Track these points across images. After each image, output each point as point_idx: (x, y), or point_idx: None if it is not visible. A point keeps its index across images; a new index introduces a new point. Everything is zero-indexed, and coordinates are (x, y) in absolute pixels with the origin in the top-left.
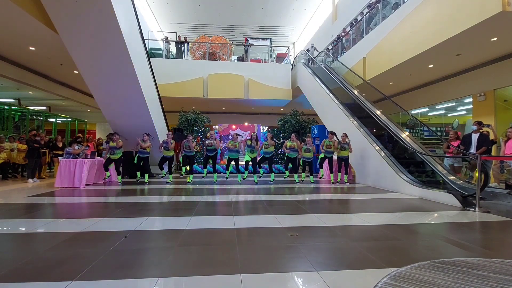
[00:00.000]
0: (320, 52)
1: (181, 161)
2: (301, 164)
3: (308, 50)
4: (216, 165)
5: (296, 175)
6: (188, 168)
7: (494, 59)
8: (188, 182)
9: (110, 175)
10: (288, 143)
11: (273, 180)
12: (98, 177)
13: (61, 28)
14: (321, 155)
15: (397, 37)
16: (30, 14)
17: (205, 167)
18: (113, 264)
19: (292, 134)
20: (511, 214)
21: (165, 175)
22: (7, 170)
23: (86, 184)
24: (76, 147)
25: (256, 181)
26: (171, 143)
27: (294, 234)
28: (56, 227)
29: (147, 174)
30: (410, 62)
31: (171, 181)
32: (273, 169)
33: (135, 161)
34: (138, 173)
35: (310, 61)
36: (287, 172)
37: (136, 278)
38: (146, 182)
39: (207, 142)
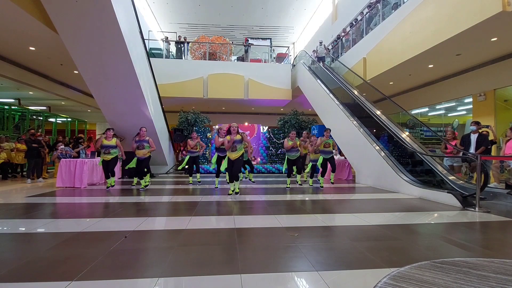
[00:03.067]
0: (326, 51)
1: (185, 161)
2: (309, 168)
3: (314, 51)
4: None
5: (298, 176)
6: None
7: (494, 59)
8: (191, 183)
9: (114, 184)
10: (289, 142)
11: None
12: (100, 178)
13: (61, 28)
14: (320, 160)
15: (397, 37)
16: (30, 14)
17: (217, 175)
18: (113, 264)
19: (292, 132)
20: (511, 214)
21: (137, 184)
22: (7, 170)
23: (93, 184)
24: (61, 147)
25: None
26: (146, 142)
27: (294, 234)
28: (56, 227)
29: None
30: (410, 62)
31: (145, 186)
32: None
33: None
34: (135, 179)
35: (314, 61)
36: (288, 180)
37: (136, 278)
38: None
39: (220, 139)
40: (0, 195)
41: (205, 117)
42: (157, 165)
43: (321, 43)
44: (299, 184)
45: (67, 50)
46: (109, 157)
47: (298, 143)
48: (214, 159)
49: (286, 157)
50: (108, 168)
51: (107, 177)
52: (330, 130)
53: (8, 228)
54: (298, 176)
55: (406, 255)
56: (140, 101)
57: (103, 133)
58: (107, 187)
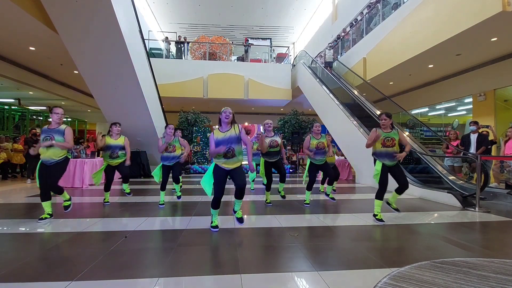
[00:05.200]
0: (334, 56)
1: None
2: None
3: (321, 57)
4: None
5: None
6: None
7: (494, 59)
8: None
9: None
10: (312, 141)
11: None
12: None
13: (61, 28)
14: (378, 167)
15: (397, 37)
16: (30, 14)
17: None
18: (113, 264)
19: (316, 124)
20: (511, 214)
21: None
22: (7, 170)
23: (92, 185)
24: None
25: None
26: (59, 134)
27: (294, 234)
28: (56, 227)
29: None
30: (410, 62)
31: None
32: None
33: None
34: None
35: (321, 67)
36: (308, 194)
37: (136, 278)
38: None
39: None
40: (0, 195)
41: (205, 117)
42: (157, 165)
43: (330, 47)
44: (331, 198)
45: (67, 50)
46: (116, 161)
47: (325, 142)
48: (261, 171)
49: (309, 161)
50: (112, 177)
51: (107, 188)
52: (387, 116)
53: (8, 228)
54: (329, 187)
55: (406, 255)
56: (140, 101)
57: (103, 135)
58: (105, 201)
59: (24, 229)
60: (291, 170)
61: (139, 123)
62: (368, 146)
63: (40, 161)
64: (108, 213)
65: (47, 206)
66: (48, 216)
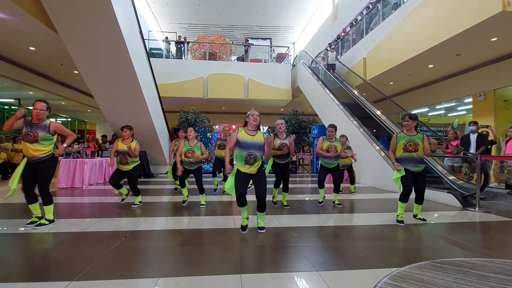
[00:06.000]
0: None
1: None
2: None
3: (323, 59)
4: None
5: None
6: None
7: (494, 59)
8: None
9: (127, 195)
10: (325, 143)
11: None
12: (99, 177)
13: (61, 28)
14: (399, 172)
15: (397, 37)
16: (30, 14)
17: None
18: (113, 264)
19: (330, 127)
20: (511, 214)
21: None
22: (7, 170)
23: (91, 185)
24: (76, 146)
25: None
26: (44, 130)
27: (294, 234)
28: (56, 227)
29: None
30: (410, 62)
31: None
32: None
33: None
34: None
35: (324, 70)
36: (322, 193)
37: (136, 278)
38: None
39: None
40: (0, 195)
41: (205, 117)
42: (157, 165)
43: (332, 48)
44: (337, 204)
45: (67, 50)
46: (125, 167)
47: (338, 146)
48: (268, 170)
49: (320, 163)
50: (120, 178)
51: (117, 187)
52: (410, 118)
53: (8, 228)
54: (335, 195)
55: (406, 255)
56: (140, 101)
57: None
58: (122, 200)
59: (24, 229)
60: (292, 170)
61: (139, 123)
62: (390, 154)
63: (25, 160)
64: (108, 213)
65: (35, 208)
66: (37, 220)
